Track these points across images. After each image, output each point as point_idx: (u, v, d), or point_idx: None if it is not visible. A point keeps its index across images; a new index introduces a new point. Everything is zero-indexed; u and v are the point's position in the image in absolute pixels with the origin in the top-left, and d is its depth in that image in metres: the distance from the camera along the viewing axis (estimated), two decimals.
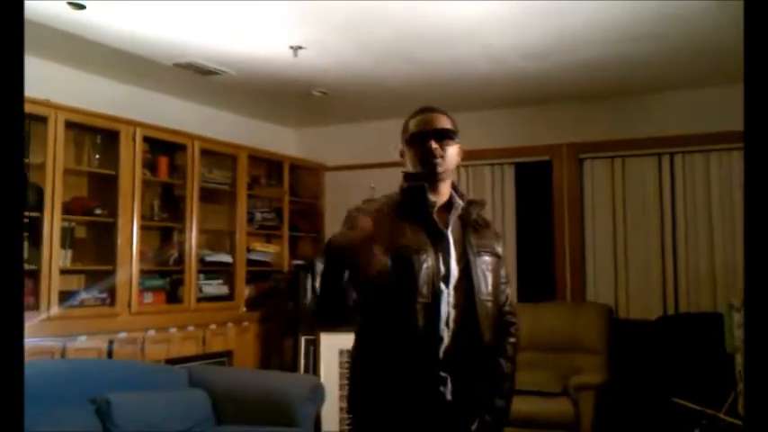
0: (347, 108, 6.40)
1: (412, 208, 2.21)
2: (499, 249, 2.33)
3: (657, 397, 4.88)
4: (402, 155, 2.33)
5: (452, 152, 2.29)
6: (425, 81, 5.51)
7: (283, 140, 7.22)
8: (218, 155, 5.95)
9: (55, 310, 4.47)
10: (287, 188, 6.66)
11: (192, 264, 5.50)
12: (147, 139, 5.23)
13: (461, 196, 2.31)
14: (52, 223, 4.49)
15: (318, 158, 7.16)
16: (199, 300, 5.56)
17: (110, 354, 4.78)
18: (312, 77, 5.43)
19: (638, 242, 6.01)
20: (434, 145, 2.23)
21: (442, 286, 2.12)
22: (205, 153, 5.72)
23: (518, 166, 6.53)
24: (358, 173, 6.69)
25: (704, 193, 5.79)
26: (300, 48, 4.70)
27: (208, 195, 5.86)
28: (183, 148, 5.54)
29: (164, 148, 5.49)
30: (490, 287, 2.23)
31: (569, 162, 6.30)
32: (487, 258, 2.25)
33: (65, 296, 4.62)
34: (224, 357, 5.63)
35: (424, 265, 2.11)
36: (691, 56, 4.95)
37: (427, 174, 2.23)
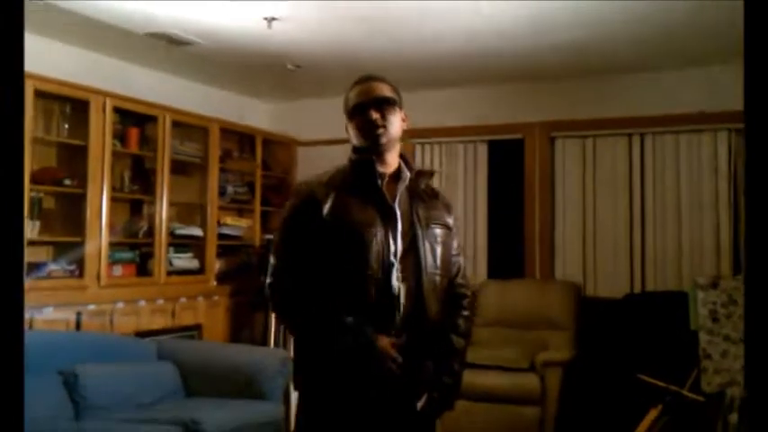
0: (321, 82, 6.37)
1: (361, 181, 2.18)
2: (449, 221, 2.32)
3: (623, 373, 4.96)
4: (347, 129, 2.28)
5: (395, 120, 2.23)
6: (400, 57, 5.49)
7: (257, 114, 7.17)
8: (189, 127, 5.89)
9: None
10: (259, 162, 6.63)
11: (162, 237, 5.47)
12: (117, 110, 5.17)
13: (410, 167, 2.27)
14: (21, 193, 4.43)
15: (291, 133, 7.13)
16: (169, 273, 5.53)
17: (78, 326, 4.75)
18: (286, 50, 5.38)
19: (607, 221, 6.07)
20: (375, 115, 2.18)
21: (392, 260, 2.10)
22: (176, 125, 5.66)
23: (491, 144, 6.56)
24: (331, 148, 6.65)
25: (673, 173, 5.86)
26: (275, 19, 4.65)
27: (179, 168, 5.81)
28: (154, 119, 5.48)
29: (134, 119, 5.42)
30: (439, 260, 2.21)
31: (541, 140, 6.33)
32: (437, 231, 2.24)
33: (32, 268, 4.57)
34: (194, 331, 5.62)
35: (374, 240, 2.09)
36: (663, 37, 4.98)
37: (371, 145, 2.19)
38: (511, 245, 6.45)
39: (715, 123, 5.61)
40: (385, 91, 2.24)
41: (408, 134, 6.65)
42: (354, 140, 2.24)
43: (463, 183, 6.56)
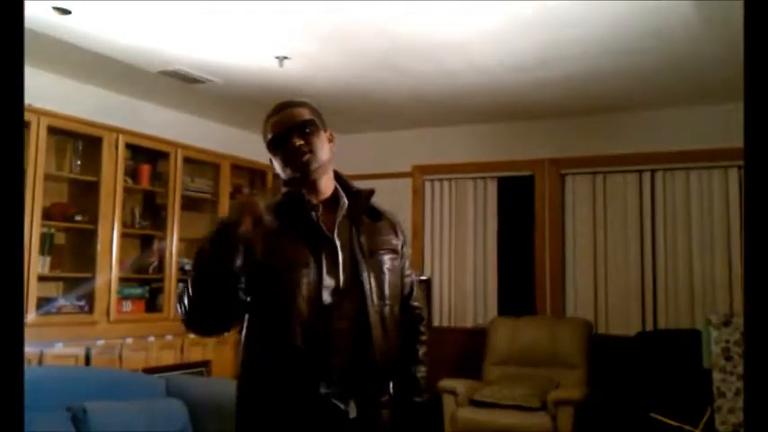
0: (331, 120, 6.36)
1: (293, 215, 1.99)
2: (397, 242, 2.13)
3: (636, 412, 4.90)
4: (272, 163, 2.09)
5: (321, 143, 2.05)
6: (411, 93, 5.53)
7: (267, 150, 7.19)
8: (201, 163, 5.93)
9: (32, 316, 4.43)
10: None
11: (171, 272, 5.47)
12: (129, 146, 5.21)
13: (349, 188, 2.10)
14: (32, 229, 4.46)
15: None
16: None
17: (87, 361, 4.73)
18: (297, 88, 5.43)
19: (618, 258, 6.05)
20: (299, 141, 2.00)
21: (329, 299, 1.92)
22: (188, 161, 5.70)
23: (500, 181, 6.57)
24: None
25: (684, 210, 5.85)
26: (286, 58, 4.71)
27: (189, 204, 5.83)
28: (165, 155, 5.51)
29: (146, 155, 5.47)
30: (387, 289, 2.02)
31: (551, 177, 6.34)
32: (384, 257, 2.05)
33: (43, 303, 4.58)
34: (202, 367, 5.58)
35: (304, 280, 1.91)
36: (673, 74, 5.01)
37: (302, 176, 2.00)
38: (521, 282, 6.43)
39: (726, 160, 5.61)
40: (305, 114, 2.07)
41: (418, 170, 6.72)
42: (282, 173, 2.04)
43: (473, 219, 6.56)
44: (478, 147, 6.57)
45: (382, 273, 2.03)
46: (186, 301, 1.95)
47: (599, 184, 6.19)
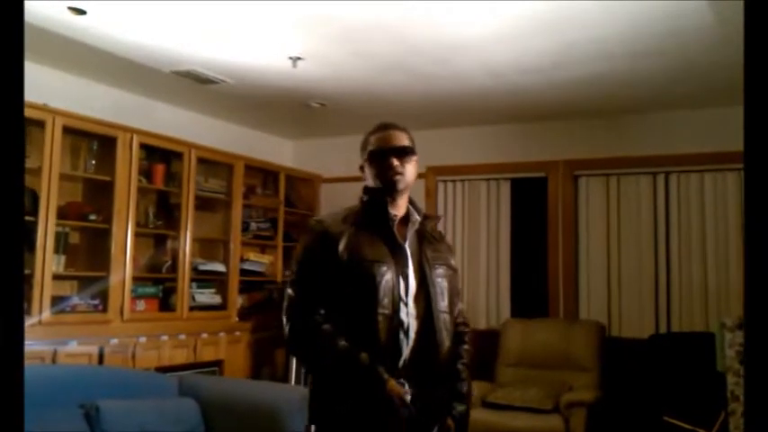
0: (345, 120, 6.42)
1: (372, 221, 2.29)
2: (453, 262, 2.42)
3: (649, 415, 4.88)
4: (362, 169, 2.40)
5: (411, 168, 2.36)
6: (424, 94, 5.53)
7: (280, 151, 7.23)
8: (214, 163, 5.95)
9: (47, 314, 4.46)
10: (282, 198, 6.66)
11: (185, 272, 5.49)
12: (143, 146, 5.23)
13: (418, 210, 2.39)
14: (46, 228, 4.49)
15: (315, 170, 7.17)
16: (191, 308, 5.54)
17: (101, 360, 4.76)
18: (310, 89, 5.44)
19: (631, 260, 6.02)
20: (396, 162, 2.29)
21: (403, 297, 2.19)
22: (201, 161, 5.72)
23: (513, 182, 6.55)
24: (354, 185, 6.67)
25: (698, 212, 5.81)
26: (299, 58, 4.72)
27: (203, 204, 5.85)
28: (179, 155, 5.54)
29: (160, 155, 5.49)
30: (446, 299, 2.30)
31: (564, 179, 6.32)
32: (442, 270, 2.33)
33: (57, 301, 4.61)
34: (215, 367, 5.61)
35: (385, 278, 2.17)
36: (688, 75, 4.98)
37: (388, 189, 2.30)
38: (534, 283, 6.41)
39: (740, 162, 5.56)
40: (405, 140, 2.35)
41: (431, 172, 6.71)
42: (371, 182, 2.34)
43: (486, 221, 6.55)
44: (492, 148, 6.56)
45: (443, 283, 2.31)
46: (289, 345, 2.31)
47: (612, 185, 6.16)
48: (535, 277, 6.40)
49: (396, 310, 2.16)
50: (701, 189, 5.83)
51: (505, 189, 6.55)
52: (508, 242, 6.50)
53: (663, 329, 5.82)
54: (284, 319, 2.28)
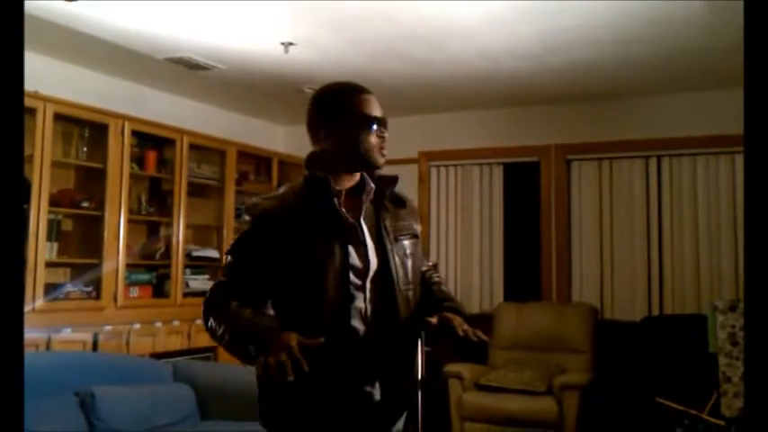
0: None
1: (318, 201, 1.98)
2: (417, 228, 2.14)
3: (641, 397, 4.92)
4: (316, 135, 2.09)
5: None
6: (417, 79, 5.52)
7: (272, 137, 7.21)
8: (206, 150, 5.94)
9: (40, 302, 4.45)
10: (275, 185, 6.65)
11: (178, 258, 5.49)
12: (135, 133, 5.22)
13: (372, 176, 2.06)
14: (39, 215, 4.48)
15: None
16: (185, 294, 5.54)
17: (95, 347, 4.76)
18: (303, 74, 5.42)
19: (624, 244, 6.04)
20: (384, 136, 2.02)
21: (357, 282, 1.93)
22: (194, 148, 5.70)
23: (506, 167, 6.56)
24: None
25: (690, 196, 5.84)
26: (292, 44, 4.70)
27: (196, 190, 5.84)
28: (171, 142, 5.52)
29: (152, 142, 5.47)
30: (410, 274, 2.04)
31: (557, 163, 6.33)
32: (406, 242, 2.06)
33: (50, 289, 4.60)
34: (209, 353, 5.62)
35: (331, 265, 1.90)
36: (680, 59, 4.99)
37: (367, 167, 2.03)
38: (527, 267, 6.43)
39: (733, 146, 5.58)
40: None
41: (424, 156, 6.70)
42: (342, 151, 2.01)
43: (479, 205, 6.56)
44: (484, 133, 6.56)
45: (406, 257, 2.04)
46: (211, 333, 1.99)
47: (605, 169, 6.18)
48: (528, 261, 6.42)
49: (348, 298, 1.91)
50: (693, 173, 5.85)
51: (498, 173, 6.56)
52: (501, 226, 6.51)
53: (655, 312, 5.85)
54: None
